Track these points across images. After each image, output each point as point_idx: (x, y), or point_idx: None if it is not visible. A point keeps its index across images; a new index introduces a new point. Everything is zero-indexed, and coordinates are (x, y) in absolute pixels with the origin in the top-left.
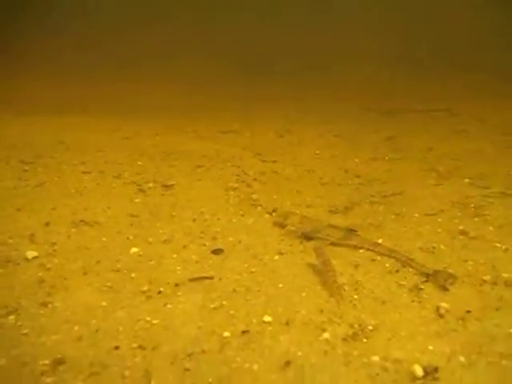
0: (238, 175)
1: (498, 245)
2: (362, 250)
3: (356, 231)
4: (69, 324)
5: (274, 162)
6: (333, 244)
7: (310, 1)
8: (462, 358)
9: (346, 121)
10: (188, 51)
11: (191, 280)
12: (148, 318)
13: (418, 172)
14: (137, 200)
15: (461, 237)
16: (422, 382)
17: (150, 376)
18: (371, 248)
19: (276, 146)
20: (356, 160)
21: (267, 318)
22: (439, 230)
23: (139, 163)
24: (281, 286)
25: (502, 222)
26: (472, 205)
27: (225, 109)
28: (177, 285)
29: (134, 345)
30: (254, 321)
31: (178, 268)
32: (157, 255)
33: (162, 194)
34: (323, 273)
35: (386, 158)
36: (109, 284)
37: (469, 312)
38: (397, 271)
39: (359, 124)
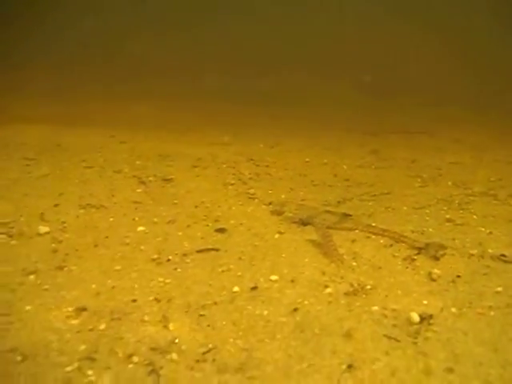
0: (233, 174)
1: (483, 229)
2: (356, 231)
3: (351, 215)
4: (86, 283)
5: (267, 166)
6: (328, 227)
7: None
8: (453, 310)
9: (332, 137)
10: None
11: (198, 251)
12: (161, 279)
13: (403, 177)
14: (139, 190)
15: (447, 223)
16: (418, 326)
17: (167, 320)
18: (365, 229)
19: (267, 154)
20: (344, 167)
21: (274, 277)
22: (427, 219)
23: (138, 162)
24: (284, 255)
25: (485, 213)
26: (456, 201)
27: (213, 124)
28: (185, 255)
29: (150, 298)
30: (262, 279)
31: (185, 243)
32: (163, 232)
33: (163, 186)
34: (323, 244)
35: (373, 167)
36: (120, 254)
37: (459, 276)
38: (391, 245)
39: (345, 140)
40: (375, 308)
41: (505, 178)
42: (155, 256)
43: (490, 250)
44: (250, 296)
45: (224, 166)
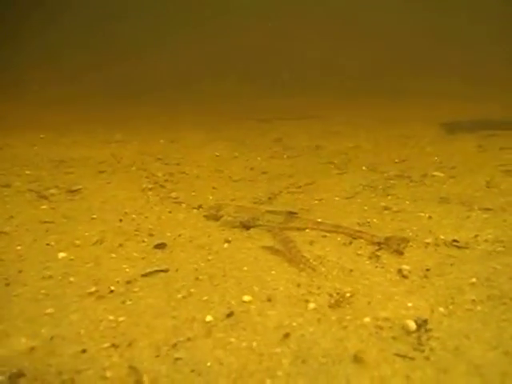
0: (147, 177)
1: (422, 214)
2: (307, 230)
3: (296, 213)
4: (11, 338)
5: (178, 164)
6: (275, 229)
7: None
8: (441, 309)
9: (230, 127)
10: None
11: (144, 275)
12: (111, 317)
13: (317, 166)
14: (43, 206)
15: (386, 211)
16: (417, 334)
17: (138, 372)
18: (315, 227)
19: (172, 150)
20: (258, 159)
21: (246, 298)
22: (365, 208)
23: (27, 172)
24: (245, 268)
25: (413, 197)
26: (380, 186)
27: (102, 121)
28: (129, 282)
29: (105, 345)
30: (233, 302)
31: (124, 266)
32: (92, 257)
33: (71, 199)
34: (286, 251)
35: (285, 156)
36: (44, 291)
37: (428, 270)
38: (350, 243)
39: (244, 129)
40: (367, 320)
41: (407, 158)
42: (92, 288)
43: (441, 237)
44: (227, 325)
45: (133, 168)
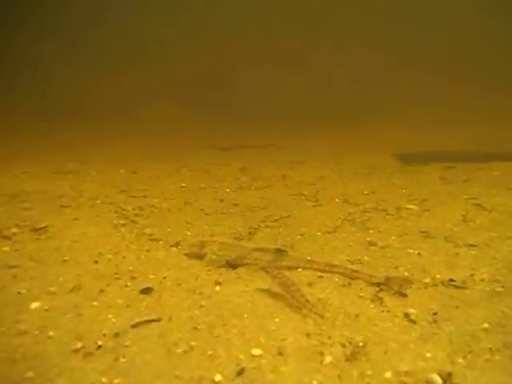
0: (115, 212)
1: (411, 250)
2: (299, 269)
3: (285, 251)
4: None
5: (145, 196)
6: (263, 268)
7: None
8: (461, 360)
9: (191, 157)
10: None
11: (134, 326)
12: (104, 380)
13: (288, 197)
14: (5, 248)
15: (373, 247)
16: None
17: None
18: (308, 266)
19: (135, 181)
20: (227, 190)
21: (256, 351)
22: (351, 244)
23: None
24: (246, 315)
25: (395, 231)
26: (358, 220)
27: (51, 149)
28: (117, 334)
29: None
30: (242, 357)
31: (109, 316)
32: (70, 306)
33: (37, 239)
34: (288, 295)
35: (253, 188)
36: (21, 350)
37: (435, 314)
38: (349, 284)
39: (206, 158)
40: (389, 375)
41: (376, 190)
42: (77, 344)
43: (438, 276)
44: None
45: (98, 201)
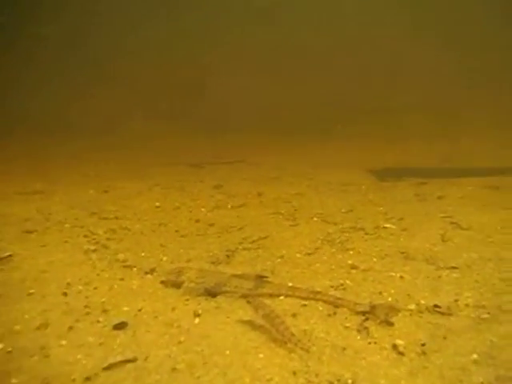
0: (85, 236)
1: (393, 273)
2: (281, 297)
3: (266, 277)
4: None
5: (117, 218)
6: (244, 296)
7: None
8: None
9: (163, 174)
10: None
11: (107, 368)
12: None
13: (265, 216)
14: None
15: (354, 271)
16: None
17: None
18: (290, 293)
19: (106, 202)
20: (202, 209)
21: None
22: (332, 267)
23: None
24: (228, 352)
25: (375, 253)
26: (337, 240)
27: (14, 169)
28: (88, 379)
29: None
30: None
31: (78, 356)
32: (36, 347)
33: (0, 270)
34: (272, 328)
35: (229, 206)
36: None
37: (424, 345)
38: (334, 313)
39: (178, 175)
40: None
41: (353, 208)
42: None
43: (422, 302)
44: None
45: (66, 225)
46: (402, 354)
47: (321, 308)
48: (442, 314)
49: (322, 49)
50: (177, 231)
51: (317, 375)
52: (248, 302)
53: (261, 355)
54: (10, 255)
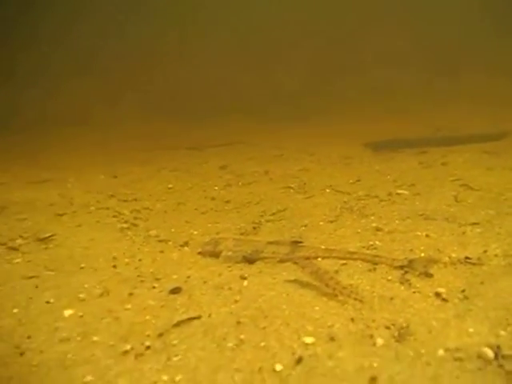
0: (114, 216)
1: (418, 233)
2: (319, 259)
3: (301, 242)
4: None
5: (136, 199)
6: (282, 261)
7: None
8: (503, 333)
9: (165, 159)
10: None
11: (176, 325)
12: (165, 378)
13: (277, 191)
14: (17, 260)
15: (380, 233)
16: (497, 361)
17: None
18: (327, 255)
19: (119, 186)
20: (216, 188)
21: (308, 339)
22: (358, 231)
23: None
24: (284, 307)
25: (396, 216)
26: (355, 207)
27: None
28: (161, 334)
29: None
30: (295, 346)
31: (147, 317)
32: (104, 310)
33: (46, 248)
34: (322, 283)
35: (240, 184)
36: (69, 356)
37: (464, 291)
38: (374, 269)
39: (181, 159)
40: (441, 352)
41: (360, 178)
42: (125, 347)
43: (453, 255)
44: (302, 372)
45: (92, 208)
46: (445, 300)
47: (360, 265)
48: (474, 264)
49: (309, 32)
50: (196, 209)
51: (373, 321)
52: (294, 263)
53: (316, 307)
54: (51, 235)
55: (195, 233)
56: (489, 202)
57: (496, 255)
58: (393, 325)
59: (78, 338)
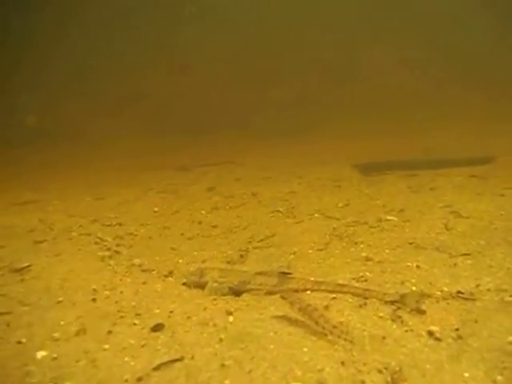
0: (96, 243)
1: (409, 263)
2: (308, 292)
3: (290, 273)
4: None
5: (120, 224)
6: (269, 293)
7: None
8: (500, 378)
9: (153, 179)
10: None
11: (156, 368)
12: None
13: (265, 215)
14: None
15: (370, 263)
16: None
17: None
18: (316, 288)
19: (104, 209)
20: (203, 212)
21: None
22: (348, 260)
23: None
24: (272, 347)
25: (386, 244)
26: (344, 234)
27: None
28: (140, 379)
29: None
30: None
31: (126, 359)
32: (81, 352)
33: (21, 280)
34: (309, 320)
35: (227, 207)
36: None
37: (457, 330)
38: (365, 304)
39: (169, 180)
40: None
41: (349, 202)
42: None
43: (445, 289)
44: None
45: (73, 234)
46: (439, 339)
47: (350, 300)
48: (467, 299)
49: (293, 47)
50: (182, 234)
51: (365, 364)
52: (282, 298)
53: (305, 348)
54: (28, 265)
55: (180, 261)
56: (479, 231)
57: (489, 290)
58: (385, 368)
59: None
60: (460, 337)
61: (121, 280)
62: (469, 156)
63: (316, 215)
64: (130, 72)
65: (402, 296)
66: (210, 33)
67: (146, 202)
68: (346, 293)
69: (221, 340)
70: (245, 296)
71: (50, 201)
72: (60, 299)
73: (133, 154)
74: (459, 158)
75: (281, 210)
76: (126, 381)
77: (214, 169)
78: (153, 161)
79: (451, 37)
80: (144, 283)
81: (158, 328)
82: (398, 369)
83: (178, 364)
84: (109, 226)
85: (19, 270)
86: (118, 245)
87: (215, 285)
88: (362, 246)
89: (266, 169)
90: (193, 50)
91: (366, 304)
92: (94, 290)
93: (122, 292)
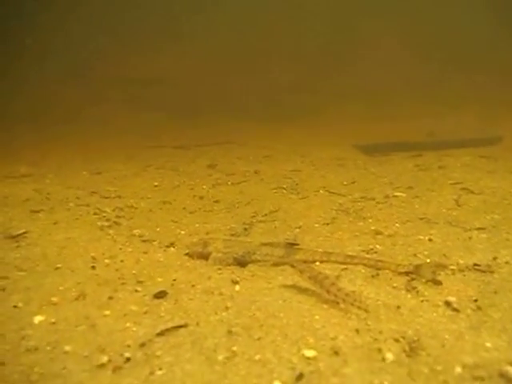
0: (95, 214)
1: (421, 237)
2: (317, 263)
3: (297, 244)
4: None
5: (120, 197)
6: (276, 264)
7: None
8: None
9: (152, 156)
10: None
11: (160, 334)
12: None
13: (268, 191)
14: None
15: (380, 236)
16: None
17: None
18: (326, 259)
19: (102, 183)
20: (204, 187)
21: (308, 353)
22: (356, 233)
23: None
24: (281, 314)
25: (396, 219)
26: (351, 210)
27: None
28: (143, 344)
29: None
30: (295, 360)
31: (127, 324)
32: (80, 317)
33: (17, 246)
34: (320, 289)
35: (229, 183)
36: (36, 369)
37: (476, 300)
38: (377, 275)
39: (168, 157)
40: (459, 370)
41: (355, 180)
42: (102, 359)
43: (460, 261)
44: None
45: (71, 204)
46: (457, 310)
47: (362, 271)
48: (484, 271)
49: (298, 30)
50: (184, 208)
51: (380, 332)
52: (291, 266)
53: (317, 316)
54: (24, 232)
55: (182, 233)
56: (493, 207)
57: (507, 262)
58: (402, 337)
59: (48, 348)
60: (479, 308)
61: (121, 249)
62: (474, 137)
63: (321, 191)
64: (131, 54)
65: (417, 267)
66: (213, 19)
67: (145, 177)
68: (357, 264)
69: (227, 308)
70: (250, 267)
71: (45, 175)
72: (58, 266)
73: (130, 133)
74: (465, 139)
75: (284, 186)
76: (128, 346)
77: (213, 148)
78: (151, 140)
79: (458, 19)
80: (145, 253)
81: (160, 295)
82: (415, 338)
83: (182, 330)
84: (107, 198)
85: (15, 237)
86: (117, 216)
87: (219, 255)
88: (370, 220)
89: (268, 148)
90: (196, 35)
91: (378, 275)
92: (93, 257)
93: (122, 260)
